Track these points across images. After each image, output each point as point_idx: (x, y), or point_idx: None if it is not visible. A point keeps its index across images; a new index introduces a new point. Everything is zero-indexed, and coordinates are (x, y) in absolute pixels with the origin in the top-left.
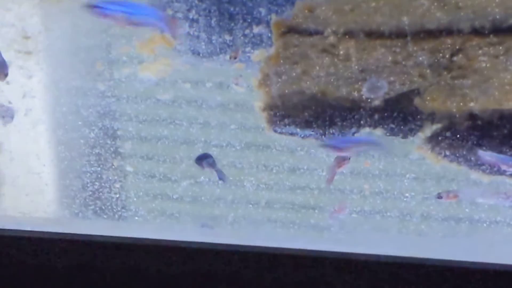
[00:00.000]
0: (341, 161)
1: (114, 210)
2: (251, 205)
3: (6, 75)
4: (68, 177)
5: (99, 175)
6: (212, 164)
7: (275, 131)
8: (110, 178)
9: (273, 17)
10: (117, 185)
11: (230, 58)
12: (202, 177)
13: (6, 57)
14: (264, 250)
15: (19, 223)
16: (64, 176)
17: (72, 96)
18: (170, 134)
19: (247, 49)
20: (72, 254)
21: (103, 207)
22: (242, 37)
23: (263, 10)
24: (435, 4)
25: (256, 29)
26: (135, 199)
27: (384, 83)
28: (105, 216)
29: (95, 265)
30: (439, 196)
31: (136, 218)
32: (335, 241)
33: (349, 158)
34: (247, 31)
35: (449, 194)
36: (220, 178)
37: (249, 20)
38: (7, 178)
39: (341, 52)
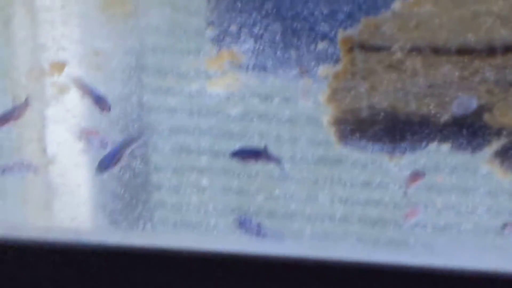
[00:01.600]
0: (415, 176)
1: (194, 223)
2: (327, 219)
3: (109, 108)
4: (146, 190)
5: (176, 189)
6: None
7: (345, 145)
8: (188, 191)
9: (341, 34)
10: (195, 198)
11: (301, 72)
12: (277, 191)
13: (76, 73)
14: (341, 264)
15: (78, 234)
16: (138, 190)
17: (142, 110)
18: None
19: (313, 64)
20: (127, 265)
21: (180, 222)
22: (308, 53)
23: (328, 27)
24: (499, 21)
25: (321, 45)
26: (214, 212)
27: (473, 100)
28: (183, 231)
29: (155, 276)
30: (504, 227)
31: (215, 232)
32: (412, 254)
33: (424, 174)
34: (312, 47)
35: None
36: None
37: (313, 36)
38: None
39: (408, 68)
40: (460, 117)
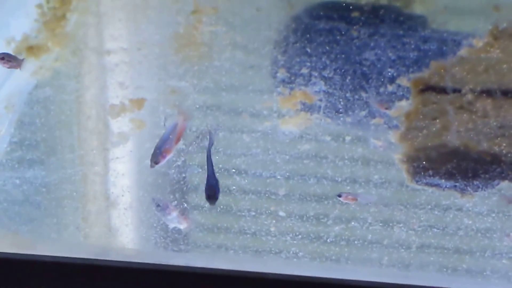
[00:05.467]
0: None
1: (273, 252)
2: (403, 249)
3: None
4: (227, 220)
5: (254, 219)
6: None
7: (417, 182)
8: (266, 222)
9: (412, 76)
10: (273, 228)
11: (386, 108)
12: (353, 222)
13: (154, 115)
14: None
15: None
16: (221, 220)
17: (220, 146)
18: (317, 183)
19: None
20: None
21: (260, 249)
22: (378, 94)
23: (396, 71)
24: None
25: (390, 88)
26: (294, 241)
27: None
28: (264, 257)
29: None
30: None
31: (295, 260)
32: (488, 285)
33: None
34: (381, 89)
35: None
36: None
37: (382, 79)
38: None
39: (479, 109)
40: None
